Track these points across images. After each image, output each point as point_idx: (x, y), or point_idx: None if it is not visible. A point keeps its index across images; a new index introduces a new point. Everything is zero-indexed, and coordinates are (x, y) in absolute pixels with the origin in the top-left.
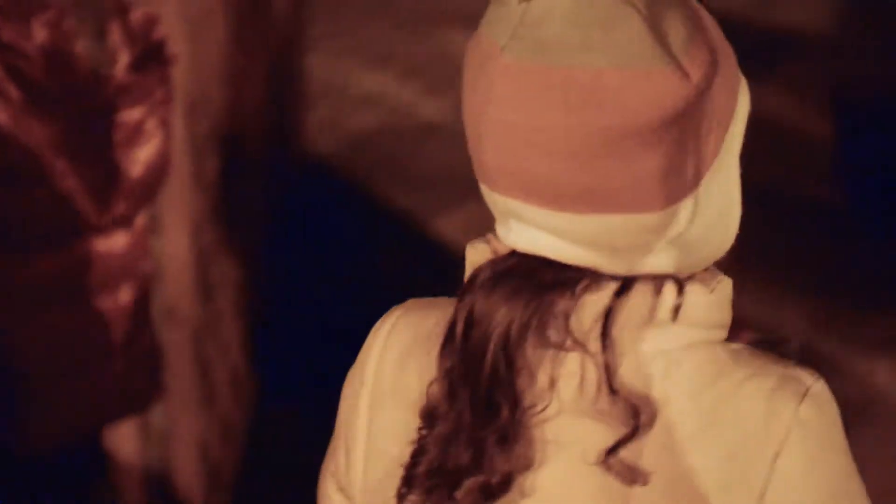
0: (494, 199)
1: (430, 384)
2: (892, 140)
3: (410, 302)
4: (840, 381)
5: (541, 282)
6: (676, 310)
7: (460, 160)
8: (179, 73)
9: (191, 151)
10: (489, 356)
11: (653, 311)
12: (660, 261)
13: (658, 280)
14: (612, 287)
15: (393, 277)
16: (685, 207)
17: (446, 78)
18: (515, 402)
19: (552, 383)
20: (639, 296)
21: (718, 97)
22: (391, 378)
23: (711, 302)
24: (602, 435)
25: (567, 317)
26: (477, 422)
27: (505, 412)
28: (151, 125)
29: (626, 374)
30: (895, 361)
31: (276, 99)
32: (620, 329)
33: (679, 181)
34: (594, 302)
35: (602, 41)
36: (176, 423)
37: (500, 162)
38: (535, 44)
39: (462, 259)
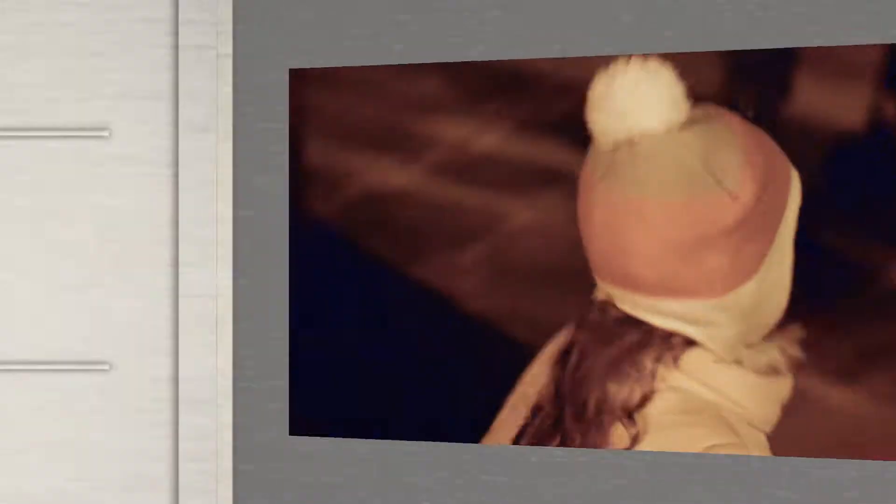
0: (598, 283)
1: (542, 387)
2: None
3: None
4: None
5: (633, 340)
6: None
7: None
8: None
9: None
10: (592, 385)
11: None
12: (725, 331)
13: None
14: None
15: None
16: (749, 288)
17: None
18: (600, 411)
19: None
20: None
21: (770, 202)
22: None
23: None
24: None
25: (644, 363)
26: (572, 423)
27: (589, 416)
28: None
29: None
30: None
31: None
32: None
33: (740, 271)
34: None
35: (669, 180)
36: None
37: (600, 260)
38: (622, 180)
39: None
